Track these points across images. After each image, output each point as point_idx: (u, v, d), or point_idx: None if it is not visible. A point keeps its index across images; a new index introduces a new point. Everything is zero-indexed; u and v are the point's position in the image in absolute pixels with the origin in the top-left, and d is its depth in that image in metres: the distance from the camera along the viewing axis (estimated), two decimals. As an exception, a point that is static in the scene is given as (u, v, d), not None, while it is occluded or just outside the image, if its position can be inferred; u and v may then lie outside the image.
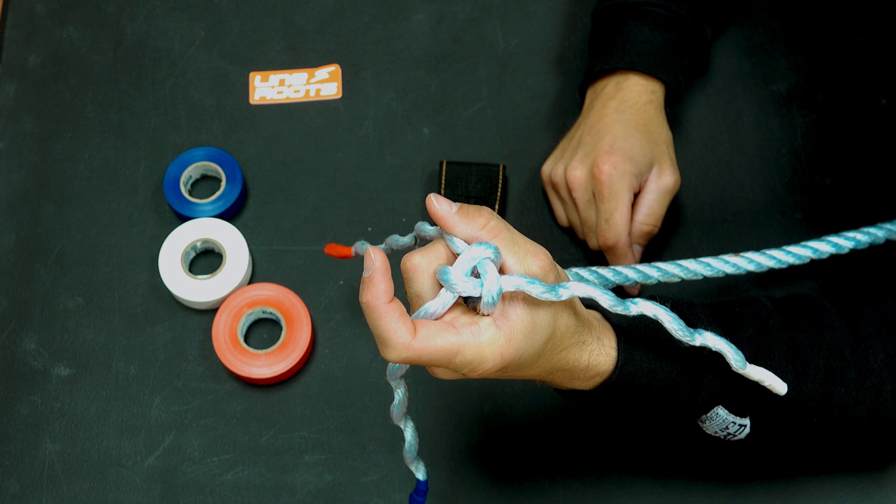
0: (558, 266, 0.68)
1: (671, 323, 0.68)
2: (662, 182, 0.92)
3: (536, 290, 0.64)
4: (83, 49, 1.07)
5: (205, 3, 1.09)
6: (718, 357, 0.71)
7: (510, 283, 0.64)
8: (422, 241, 0.70)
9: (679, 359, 0.73)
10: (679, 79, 0.97)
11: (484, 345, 0.64)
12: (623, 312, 0.68)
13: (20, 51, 1.06)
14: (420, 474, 0.78)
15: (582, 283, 0.66)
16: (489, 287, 0.64)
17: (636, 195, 0.93)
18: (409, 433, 0.75)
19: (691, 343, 0.69)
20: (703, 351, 0.71)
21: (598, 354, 0.71)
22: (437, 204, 0.66)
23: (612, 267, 0.90)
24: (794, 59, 1.04)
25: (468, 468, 0.90)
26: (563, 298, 0.65)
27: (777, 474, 0.89)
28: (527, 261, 0.66)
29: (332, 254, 0.92)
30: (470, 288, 0.64)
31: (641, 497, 0.89)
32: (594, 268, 0.90)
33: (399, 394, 0.73)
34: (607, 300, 0.67)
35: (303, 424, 0.92)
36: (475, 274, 0.65)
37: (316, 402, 0.93)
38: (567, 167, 0.94)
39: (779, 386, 0.72)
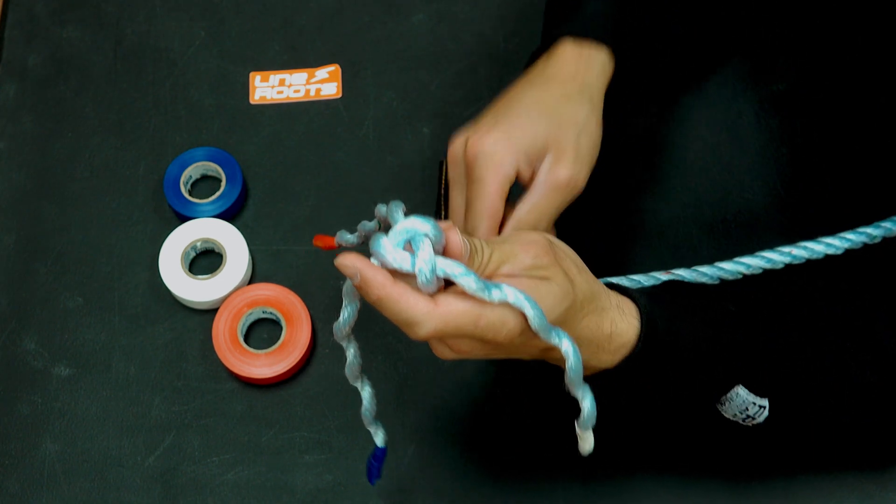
0: (560, 249, 0.68)
1: (534, 318, 0.65)
2: (554, 174, 0.78)
3: (469, 286, 0.63)
4: (83, 49, 1.07)
5: (205, 3, 1.09)
6: (742, 334, 0.71)
7: (442, 266, 0.63)
8: (385, 224, 0.69)
9: (700, 333, 0.72)
10: (625, 43, 0.84)
11: (503, 306, 0.64)
12: (486, 298, 0.64)
13: (20, 51, 1.06)
14: (378, 439, 0.77)
15: (512, 288, 0.64)
16: (421, 264, 0.63)
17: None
18: (365, 395, 0.74)
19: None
20: (725, 322, 0.70)
21: (621, 322, 0.70)
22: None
23: (605, 278, 0.88)
24: (794, 59, 1.04)
25: (466, 463, 0.90)
26: (495, 300, 0.63)
27: (777, 474, 0.89)
28: (518, 258, 0.66)
29: (321, 245, 0.88)
30: (400, 259, 0.63)
31: (639, 495, 0.89)
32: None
33: (350, 353, 0.72)
34: (470, 281, 0.63)
35: (303, 424, 0.92)
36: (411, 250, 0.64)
37: (316, 402, 0.93)
38: (455, 139, 0.82)
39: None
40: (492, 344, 0.66)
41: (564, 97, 0.80)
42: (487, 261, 0.66)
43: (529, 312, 0.64)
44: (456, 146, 0.81)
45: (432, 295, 0.64)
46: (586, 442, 0.73)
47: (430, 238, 0.64)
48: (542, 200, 0.78)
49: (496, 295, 0.64)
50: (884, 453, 0.89)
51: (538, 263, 0.66)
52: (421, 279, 0.63)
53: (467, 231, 0.79)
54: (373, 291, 0.64)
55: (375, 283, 0.64)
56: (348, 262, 0.64)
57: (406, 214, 0.67)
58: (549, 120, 0.78)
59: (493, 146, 0.78)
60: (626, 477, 0.90)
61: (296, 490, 0.90)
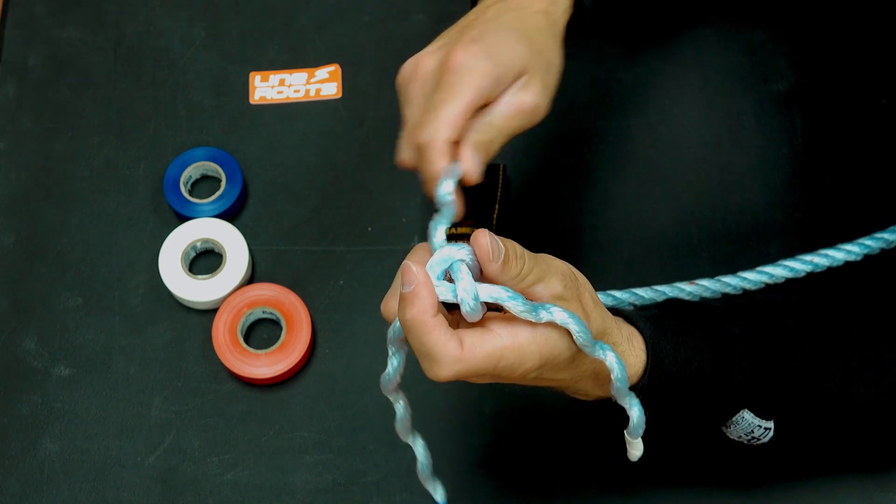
0: (581, 283, 0.67)
1: (579, 335, 0.64)
2: (519, 97, 0.73)
3: (516, 308, 0.62)
4: (83, 49, 1.07)
5: (205, 3, 1.09)
6: (747, 359, 0.72)
7: (486, 292, 0.62)
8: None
9: (706, 361, 0.73)
10: None
11: (524, 345, 0.63)
12: (534, 319, 0.64)
13: (20, 51, 1.06)
14: (438, 496, 0.73)
15: (561, 310, 0.63)
16: (462, 294, 0.61)
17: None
18: (419, 450, 0.70)
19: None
20: (730, 348, 0.71)
21: (629, 356, 0.70)
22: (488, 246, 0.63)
23: (630, 290, 0.87)
24: (794, 59, 1.04)
25: (466, 463, 0.90)
26: (542, 321, 0.63)
27: (777, 477, 0.89)
28: (552, 283, 0.65)
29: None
30: (443, 291, 0.61)
31: (640, 492, 0.89)
32: (611, 291, 0.87)
33: (399, 407, 0.68)
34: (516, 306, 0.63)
35: (303, 424, 0.92)
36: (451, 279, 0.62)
37: (316, 402, 0.93)
38: (420, 56, 0.75)
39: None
40: (501, 378, 0.65)
41: (538, 28, 0.76)
42: (528, 272, 0.64)
43: (574, 328, 0.63)
44: (425, 61, 0.74)
45: (461, 327, 0.62)
46: (636, 448, 0.72)
47: (467, 264, 0.62)
48: (501, 120, 0.72)
49: (544, 315, 0.62)
50: (884, 455, 0.89)
51: (564, 295, 0.65)
52: (465, 308, 0.61)
53: (421, 134, 0.71)
54: (411, 310, 0.61)
55: (420, 304, 0.61)
56: (417, 269, 0.61)
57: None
58: (527, 45, 0.73)
59: (475, 61, 0.71)
60: (627, 476, 0.89)
61: (296, 490, 0.90)
